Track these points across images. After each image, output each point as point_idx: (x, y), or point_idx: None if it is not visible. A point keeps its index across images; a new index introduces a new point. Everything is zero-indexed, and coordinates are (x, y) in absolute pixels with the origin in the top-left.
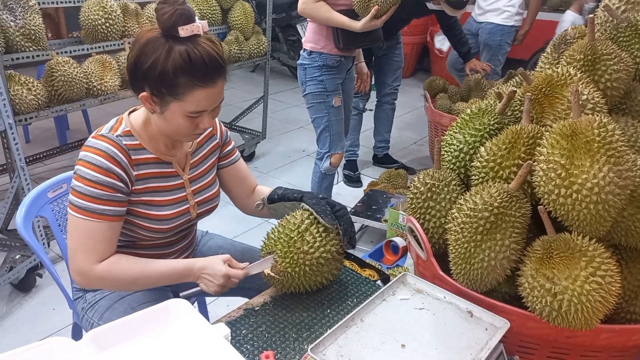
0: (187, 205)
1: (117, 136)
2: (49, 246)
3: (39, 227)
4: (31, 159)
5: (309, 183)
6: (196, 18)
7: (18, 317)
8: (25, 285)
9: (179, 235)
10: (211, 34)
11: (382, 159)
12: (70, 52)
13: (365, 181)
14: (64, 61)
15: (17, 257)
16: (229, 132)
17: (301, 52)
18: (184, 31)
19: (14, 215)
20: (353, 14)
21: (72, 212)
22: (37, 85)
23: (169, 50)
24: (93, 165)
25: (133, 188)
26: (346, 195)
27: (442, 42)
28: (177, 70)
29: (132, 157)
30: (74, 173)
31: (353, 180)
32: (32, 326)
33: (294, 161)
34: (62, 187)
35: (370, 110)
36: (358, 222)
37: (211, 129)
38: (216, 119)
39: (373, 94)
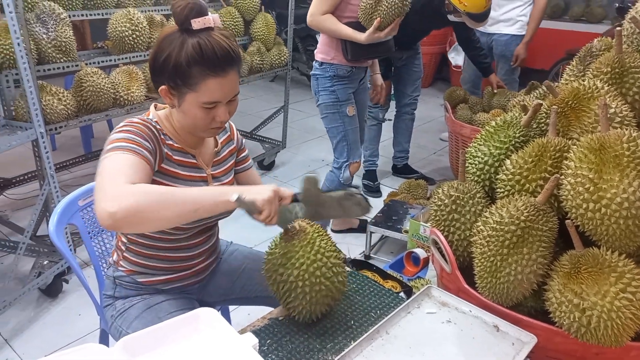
0: None
1: (147, 118)
2: (75, 252)
3: (66, 234)
4: (58, 166)
5: None
6: (209, 12)
7: (45, 321)
8: (52, 290)
9: (201, 237)
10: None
11: (401, 169)
12: (98, 63)
13: (385, 191)
14: (92, 72)
15: (45, 262)
16: (243, 139)
17: (313, 63)
18: (196, 24)
19: (42, 222)
20: (360, 26)
21: (100, 161)
22: (67, 96)
23: (182, 42)
24: (124, 126)
25: (161, 165)
26: None
27: (456, 59)
28: (190, 61)
29: (162, 138)
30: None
31: (372, 190)
32: (58, 330)
33: (313, 170)
34: (92, 195)
35: (390, 120)
36: (378, 232)
37: (229, 133)
38: (233, 126)
39: (392, 104)
